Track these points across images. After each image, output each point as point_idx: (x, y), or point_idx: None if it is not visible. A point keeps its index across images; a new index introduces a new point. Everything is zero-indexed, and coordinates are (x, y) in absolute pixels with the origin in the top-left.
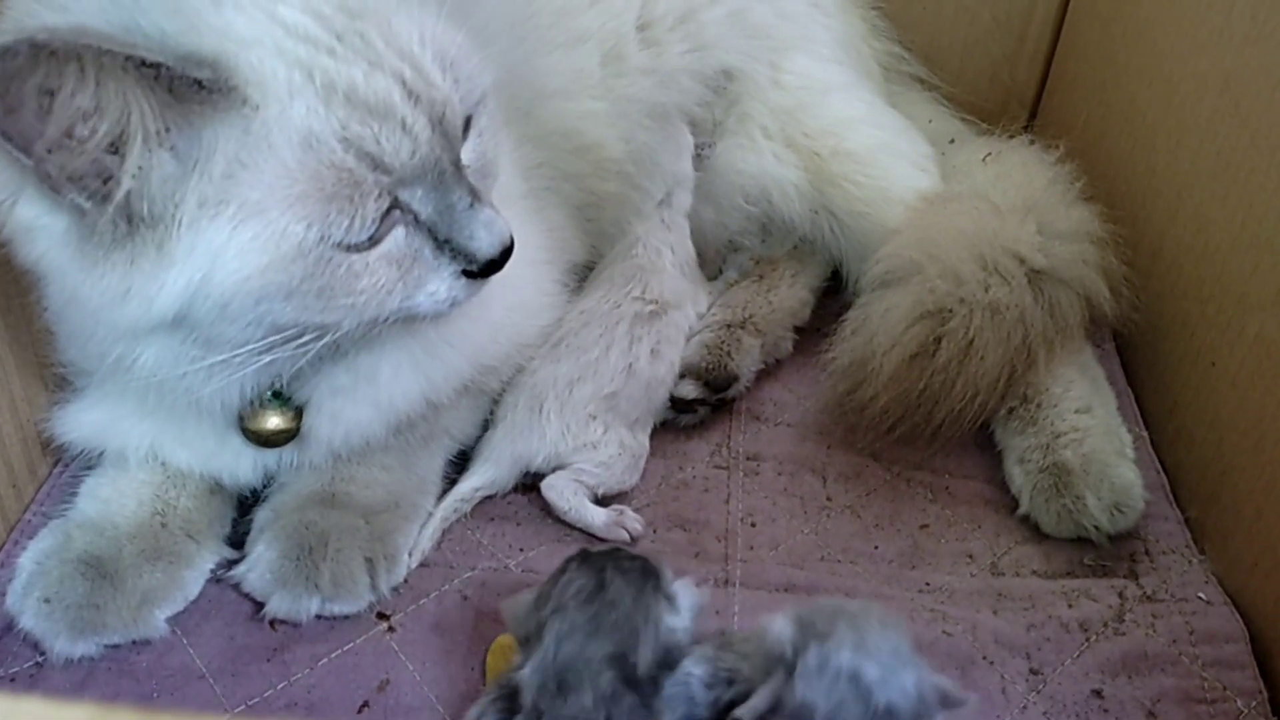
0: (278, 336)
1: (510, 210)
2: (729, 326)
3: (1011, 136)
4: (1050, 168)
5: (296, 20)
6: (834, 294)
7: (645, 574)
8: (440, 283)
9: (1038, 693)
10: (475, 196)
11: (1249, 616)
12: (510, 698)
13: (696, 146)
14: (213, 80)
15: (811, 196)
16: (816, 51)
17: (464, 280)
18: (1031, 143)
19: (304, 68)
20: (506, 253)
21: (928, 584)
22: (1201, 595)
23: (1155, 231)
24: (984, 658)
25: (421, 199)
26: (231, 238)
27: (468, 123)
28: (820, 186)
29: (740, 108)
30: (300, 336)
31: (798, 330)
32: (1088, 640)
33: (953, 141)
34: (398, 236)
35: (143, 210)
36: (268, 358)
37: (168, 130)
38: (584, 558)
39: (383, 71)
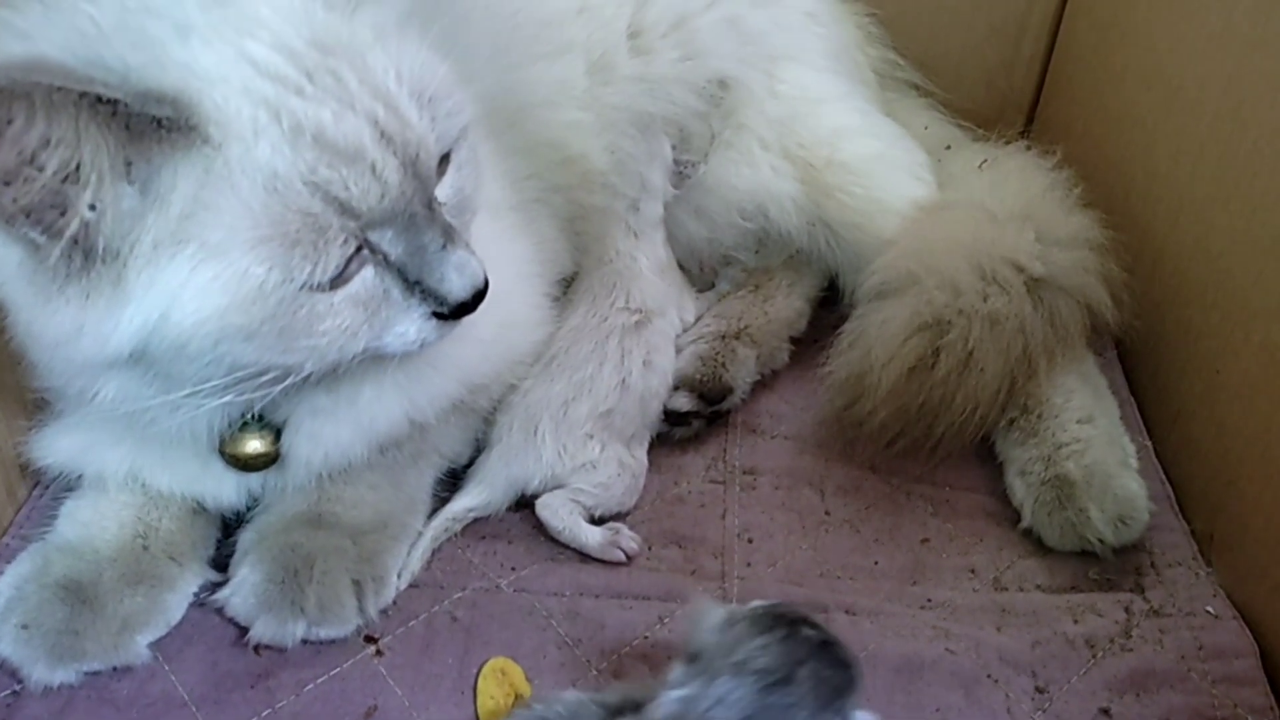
0: (241, 373)
1: (500, 223)
2: (724, 337)
3: (1008, 142)
4: (1048, 174)
5: (265, 57)
6: (831, 304)
7: (837, 693)
8: (410, 324)
9: (1044, 711)
10: (449, 237)
11: (1259, 631)
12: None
13: (678, 164)
14: (172, 119)
15: (808, 209)
16: (811, 61)
17: (434, 322)
18: (1028, 149)
19: (270, 107)
20: (479, 295)
21: (929, 600)
22: (1209, 609)
23: (1156, 237)
24: (988, 676)
25: (391, 240)
26: (190, 278)
27: (446, 158)
28: (816, 199)
29: (737, 118)
30: (263, 375)
31: (794, 341)
32: (1094, 657)
33: (949, 148)
34: (366, 277)
35: (99, 246)
36: (231, 394)
37: (127, 166)
38: (792, 629)
39: (354, 112)
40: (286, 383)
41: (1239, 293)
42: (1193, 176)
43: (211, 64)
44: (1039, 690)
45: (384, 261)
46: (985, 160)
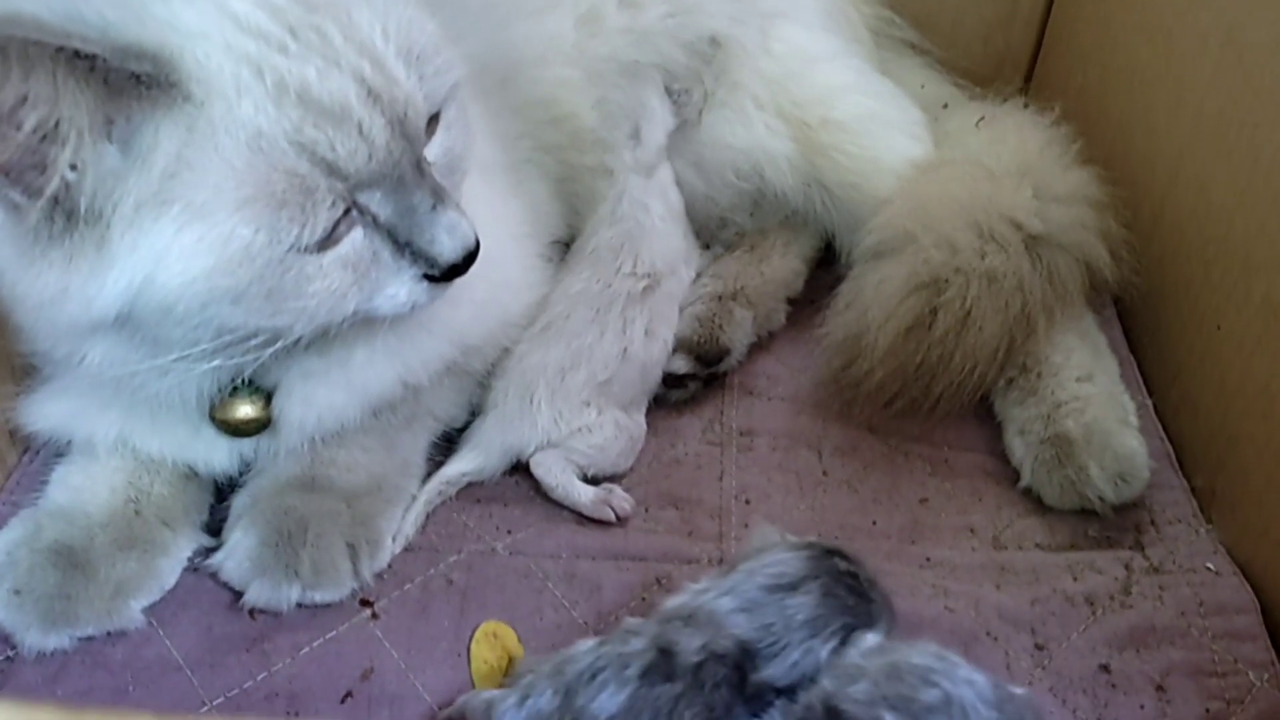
0: (229, 336)
1: (492, 184)
2: (720, 299)
3: (1005, 100)
4: (1045, 130)
5: (248, 13)
6: (827, 265)
7: (842, 612)
8: (400, 286)
9: (1043, 668)
10: (438, 198)
11: (1259, 587)
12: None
13: (672, 94)
14: (152, 75)
15: (803, 169)
16: (804, 19)
17: (425, 284)
18: (1026, 106)
19: (253, 65)
20: (470, 257)
21: (928, 559)
22: (1210, 566)
23: (1156, 193)
24: (988, 633)
25: (380, 201)
26: (175, 239)
27: (435, 118)
28: (811, 158)
29: (730, 76)
30: (252, 338)
31: (791, 302)
32: (1094, 614)
33: (946, 106)
34: (355, 238)
35: (80, 207)
36: (220, 358)
37: (108, 124)
38: (821, 555)
39: (339, 69)
40: (276, 346)
41: (1240, 248)
42: (1193, 131)
43: (192, 20)
44: (1038, 647)
45: (373, 223)
46: (982, 118)
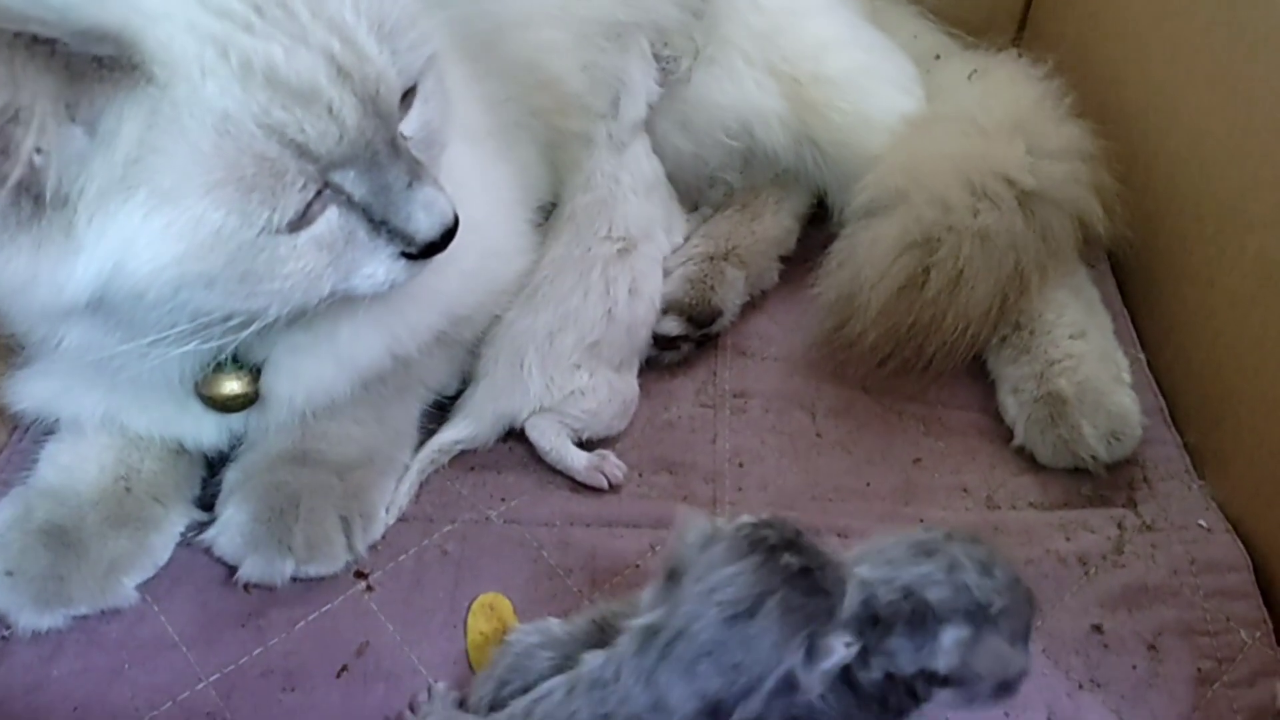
0: (204, 320)
1: (478, 150)
2: (711, 259)
3: (999, 50)
4: (1038, 83)
5: None
6: (820, 222)
7: (807, 621)
8: (377, 265)
9: (1036, 629)
10: (414, 174)
11: (1251, 544)
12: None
13: (660, 60)
14: (114, 57)
15: (794, 126)
16: None
17: (403, 262)
18: (1019, 56)
19: (218, 44)
20: (449, 234)
21: (922, 520)
22: (1202, 523)
23: (1150, 146)
24: None
25: (354, 180)
26: (144, 225)
27: (412, 91)
28: (802, 115)
29: (719, 32)
30: (228, 321)
31: (783, 260)
32: (1086, 574)
33: (938, 58)
34: (330, 218)
35: (47, 192)
36: (196, 341)
37: (70, 107)
38: (770, 555)
39: (307, 48)
40: (252, 328)
41: (1233, 202)
42: (1187, 83)
43: (153, 1)
44: None
45: (348, 202)
46: (975, 70)
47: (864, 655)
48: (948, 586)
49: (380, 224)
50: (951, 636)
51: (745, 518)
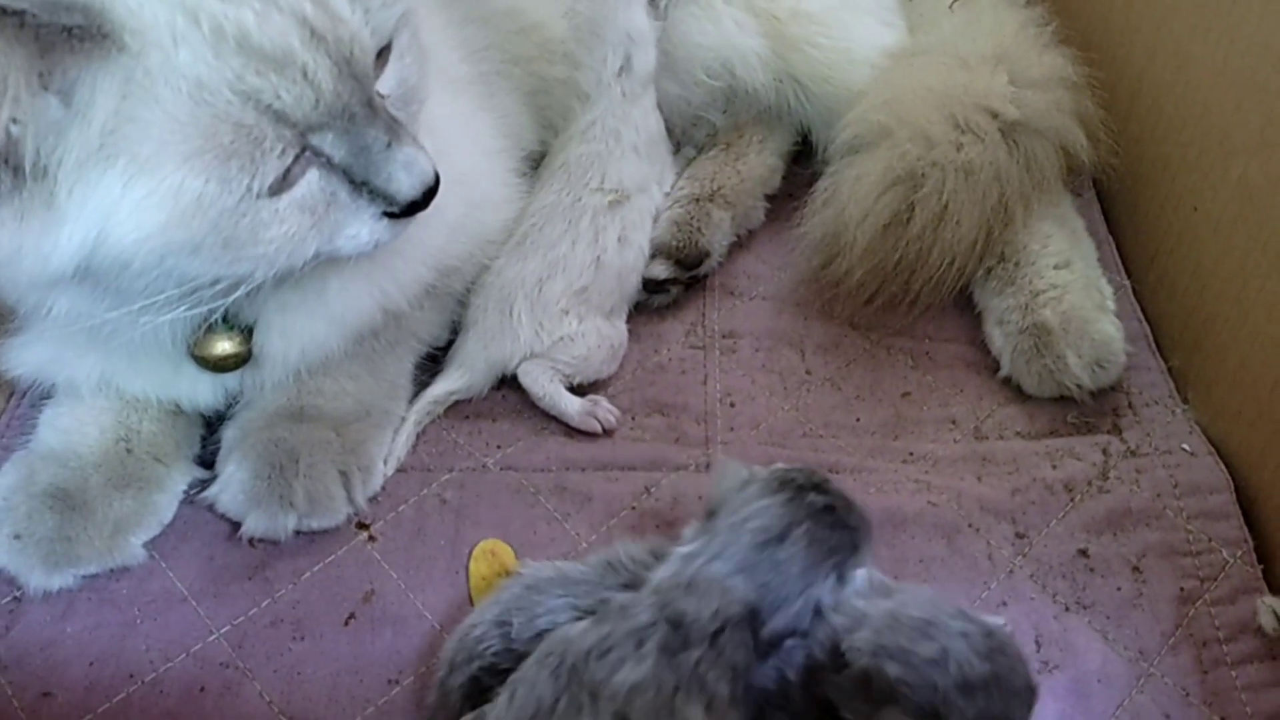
0: (191, 285)
1: (459, 99)
2: (697, 200)
3: None
4: (1020, 11)
5: None
6: (804, 160)
7: (831, 553)
8: (360, 226)
9: (1024, 556)
10: (393, 134)
11: (1233, 466)
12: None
13: (657, 3)
14: (83, 26)
15: (774, 64)
16: None
17: (386, 221)
18: None
19: (188, 11)
20: (430, 193)
21: (911, 454)
22: (1185, 447)
23: (1134, 71)
24: (969, 525)
25: (333, 143)
26: (124, 194)
27: (387, 48)
28: (782, 53)
29: None
30: (214, 285)
31: (769, 198)
32: (1072, 500)
33: None
34: (310, 180)
35: (25, 164)
36: (185, 306)
37: (45, 77)
38: (798, 493)
39: (279, 11)
40: (239, 292)
41: (1217, 128)
42: (1171, 5)
43: None
44: (1019, 536)
45: (328, 164)
46: (955, 0)
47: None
48: (916, 674)
49: (361, 185)
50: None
51: (779, 465)
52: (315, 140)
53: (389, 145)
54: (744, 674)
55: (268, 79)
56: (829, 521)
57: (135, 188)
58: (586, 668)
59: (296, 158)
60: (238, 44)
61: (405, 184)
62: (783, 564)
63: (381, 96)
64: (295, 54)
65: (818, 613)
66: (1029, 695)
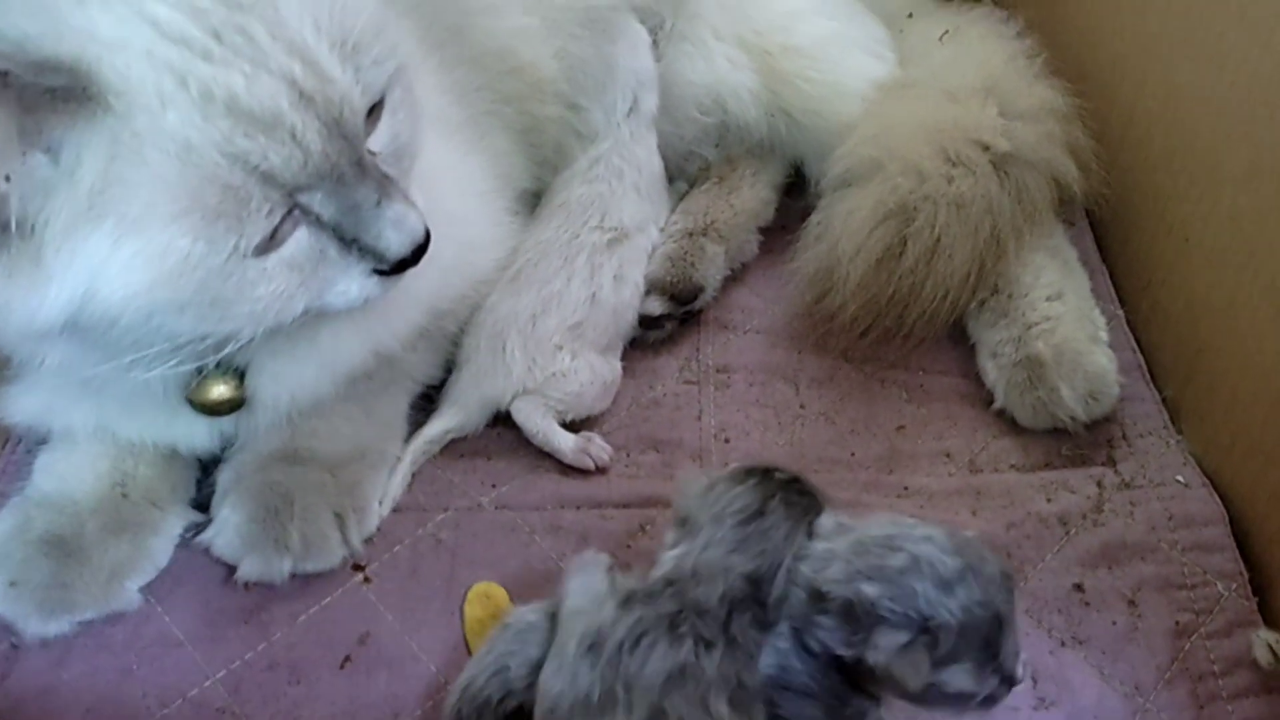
0: (179, 342)
1: (451, 141)
2: (691, 235)
3: (978, 1)
4: (1010, 42)
5: (168, 18)
6: (798, 192)
7: (804, 512)
8: (350, 282)
9: (1019, 590)
10: (383, 191)
11: (1227, 497)
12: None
13: (652, 33)
14: (68, 88)
15: (766, 99)
16: None
17: (376, 278)
18: (992, 11)
19: (176, 73)
20: (420, 250)
21: (906, 488)
22: (1179, 478)
23: (1124, 102)
24: None
25: (322, 201)
26: (112, 254)
27: (380, 105)
28: (774, 87)
29: (689, 7)
30: (204, 341)
31: (762, 231)
32: (1067, 534)
33: (910, 16)
34: (300, 239)
35: (13, 222)
36: (174, 360)
37: (30, 136)
38: (762, 477)
39: (269, 73)
40: (229, 349)
41: (1207, 158)
42: (1158, 35)
43: (110, 28)
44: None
45: (317, 222)
46: (946, 31)
47: (804, 627)
48: (893, 587)
49: (351, 242)
50: (888, 638)
51: (733, 465)
52: (304, 199)
53: (379, 203)
54: (758, 656)
55: (256, 140)
56: (797, 489)
57: (123, 247)
58: (620, 659)
59: (285, 217)
60: (226, 106)
61: (395, 242)
62: (769, 531)
63: (372, 153)
64: (284, 116)
65: (791, 576)
66: (1006, 581)
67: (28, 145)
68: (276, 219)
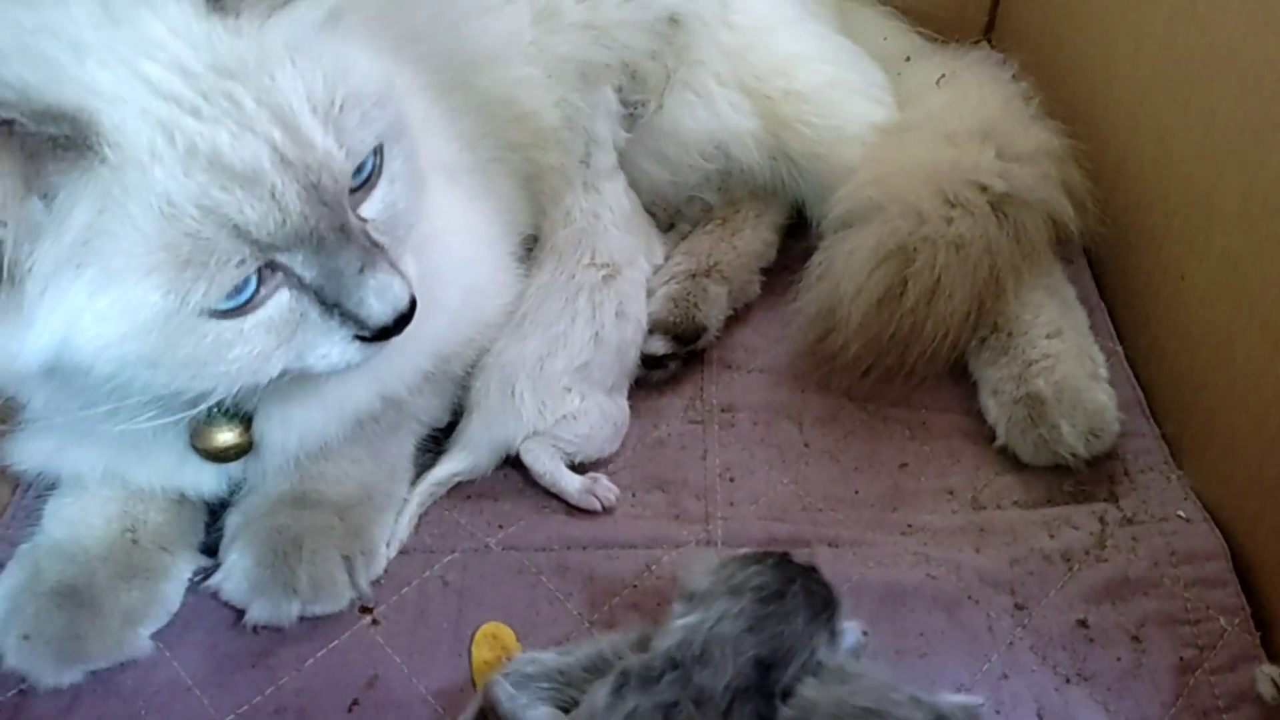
0: (153, 395)
1: (458, 187)
2: (694, 276)
3: (975, 43)
4: (1006, 85)
5: (161, 78)
6: (800, 233)
7: (826, 604)
8: (331, 346)
9: (1024, 627)
10: (368, 259)
11: (1228, 532)
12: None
13: (627, 106)
14: (70, 137)
15: (768, 143)
16: None
17: (357, 344)
18: (989, 54)
19: (166, 129)
20: (403, 319)
21: (910, 526)
22: (1181, 514)
23: (1118, 143)
24: (969, 597)
25: (304, 263)
26: (89, 303)
27: (377, 173)
28: (775, 131)
29: (691, 54)
30: (179, 397)
31: (764, 272)
32: (1070, 570)
33: (908, 59)
34: (280, 300)
35: (4, 265)
36: (152, 412)
37: (30, 182)
38: (782, 561)
39: (253, 134)
40: (205, 404)
41: (1200, 198)
42: (1151, 79)
43: (109, 83)
44: (1018, 607)
45: (299, 284)
46: (944, 75)
47: None
48: None
49: (333, 307)
50: None
51: (745, 550)
52: (285, 259)
53: (361, 270)
54: None
55: (233, 194)
56: (816, 578)
57: (100, 297)
58: None
59: (264, 277)
60: (209, 161)
61: (377, 310)
62: (790, 615)
63: (363, 220)
64: (265, 174)
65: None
66: None
67: (27, 191)
68: (247, 272)
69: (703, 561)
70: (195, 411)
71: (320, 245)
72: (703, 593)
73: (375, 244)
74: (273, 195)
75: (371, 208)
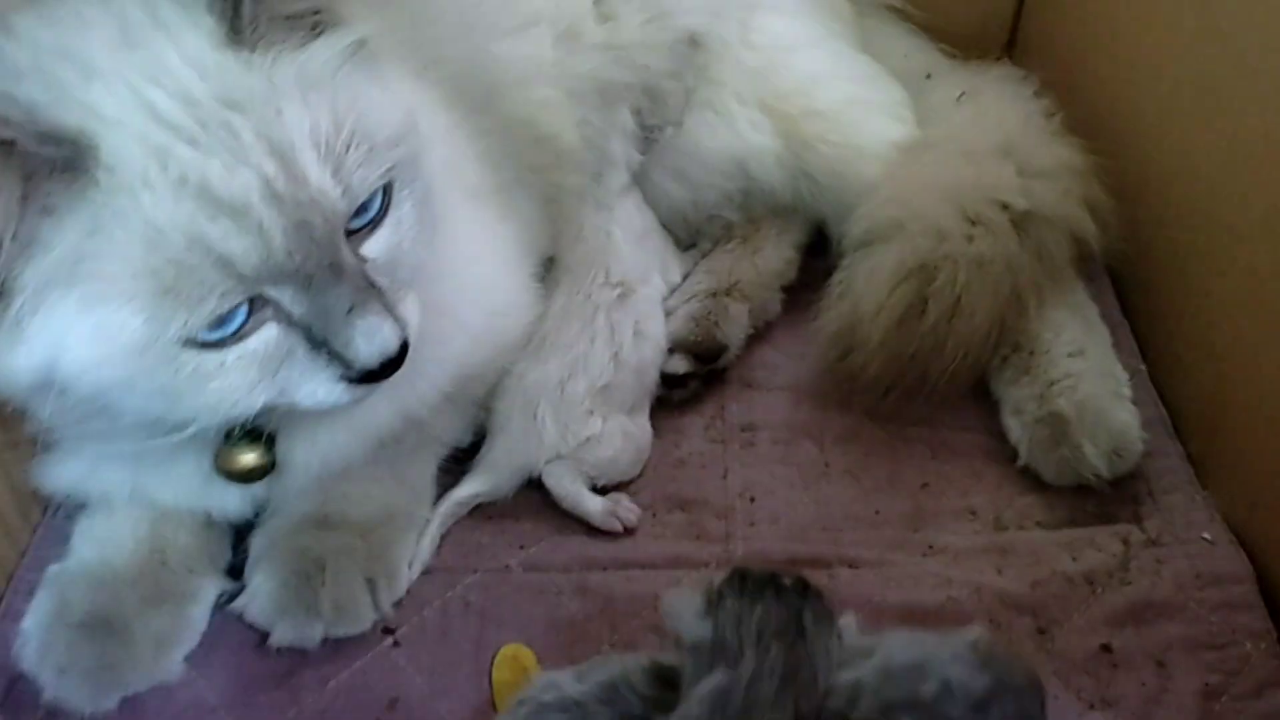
0: (135, 419)
1: (482, 208)
2: (715, 295)
3: (997, 59)
4: (1027, 102)
5: (165, 104)
6: (821, 251)
7: (830, 618)
8: (317, 385)
9: (1046, 651)
10: (359, 300)
11: (1254, 554)
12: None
13: (645, 129)
14: (69, 160)
15: (789, 162)
16: (782, 5)
17: (344, 384)
18: (1010, 71)
19: (160, 156)
20: (391, 363)
21: (931, 546)
22: (1206, 535)
23: (1140, 159)
24: (991, 620)
25: (292, 299)
26: (74, 325)
27: (385, 210)
28: (796, 150)
29: (711, 74)
30: (157, 423)
31: (785, 290)
32: (1094, 593)
33: (929, 77)
34: (267, 334)
35: (2, 281)
36: (141, 436)
37: (27, 201)
38: (778, 589)
39: (246, 166)
40: (188, 431)
41: (1223, 214)
42: (1174, 94)
43: (111, 108)
44: (1040, 631)
45: (288, 320)
46: (964, 93)
47: None
48: (929, 717)
49: (321, 345)
50: None
51: (719, 578)
52: (273, 293)
53: (350, 311)
54: None
55: (219, 224)
56: (813, 592)
57: (85, 320)
58: None
59: (251, 309)
60: (198, 190)
61: (363, 352)
62: (815, 652)
63: (363, 259)
64: (252, 207)
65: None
66: (1037, 688)
67: (24, 209)
68: (231, 304)
69: (689, 605)
70: (183, 436)
71: (309, 282)
72: (709, 643)
73: (372, 284)
74: (259, 229)
75: (374, 248)
